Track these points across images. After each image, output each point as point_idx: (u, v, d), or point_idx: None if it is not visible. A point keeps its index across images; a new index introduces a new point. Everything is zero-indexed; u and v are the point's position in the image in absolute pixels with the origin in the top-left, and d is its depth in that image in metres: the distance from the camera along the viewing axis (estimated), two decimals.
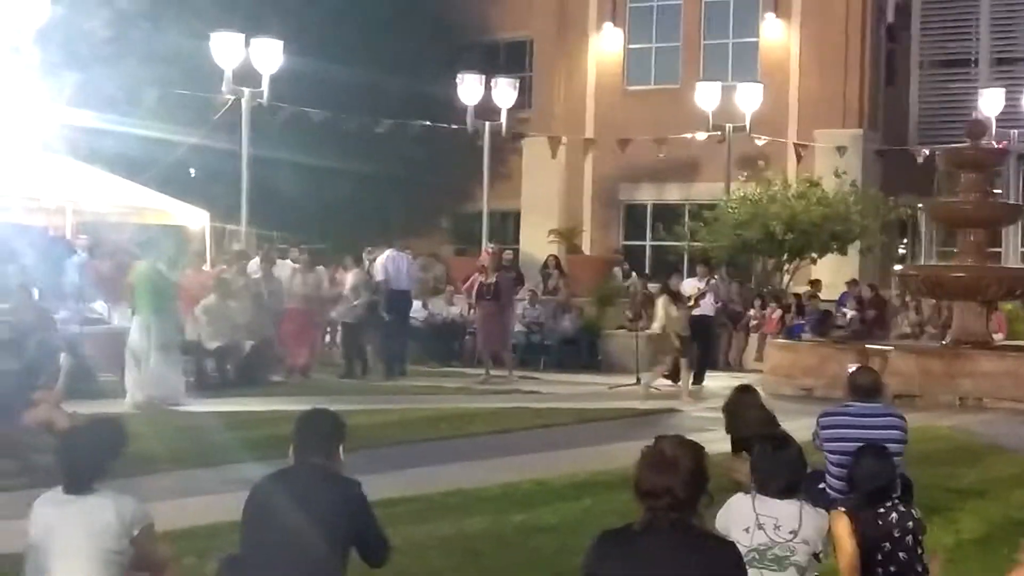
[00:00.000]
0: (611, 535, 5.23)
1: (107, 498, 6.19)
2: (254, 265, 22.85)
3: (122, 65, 28.69)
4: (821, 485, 9.22)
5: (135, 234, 26.12)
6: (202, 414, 16.39)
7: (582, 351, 26.47)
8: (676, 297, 20.60)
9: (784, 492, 6.61)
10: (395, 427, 15.81)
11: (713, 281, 23.93)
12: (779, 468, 6.70)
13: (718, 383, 20.46)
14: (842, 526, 6.81)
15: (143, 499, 6.40)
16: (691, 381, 21.56)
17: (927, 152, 29.97)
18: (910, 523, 6.99)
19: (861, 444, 7.62)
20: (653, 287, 24.78)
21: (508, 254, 27.05)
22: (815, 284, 28.79)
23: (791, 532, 6.51)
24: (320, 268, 24.33)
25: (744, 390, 11.44)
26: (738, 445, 10.79)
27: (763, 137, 31.06)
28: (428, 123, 29.86)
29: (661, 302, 20.71)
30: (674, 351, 20.30)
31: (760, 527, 6.50)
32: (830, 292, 28.55)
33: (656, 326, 20.72)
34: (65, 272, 22.00)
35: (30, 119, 23.20)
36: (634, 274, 29.85)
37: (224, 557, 6.59)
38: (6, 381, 12.26)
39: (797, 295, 27.86)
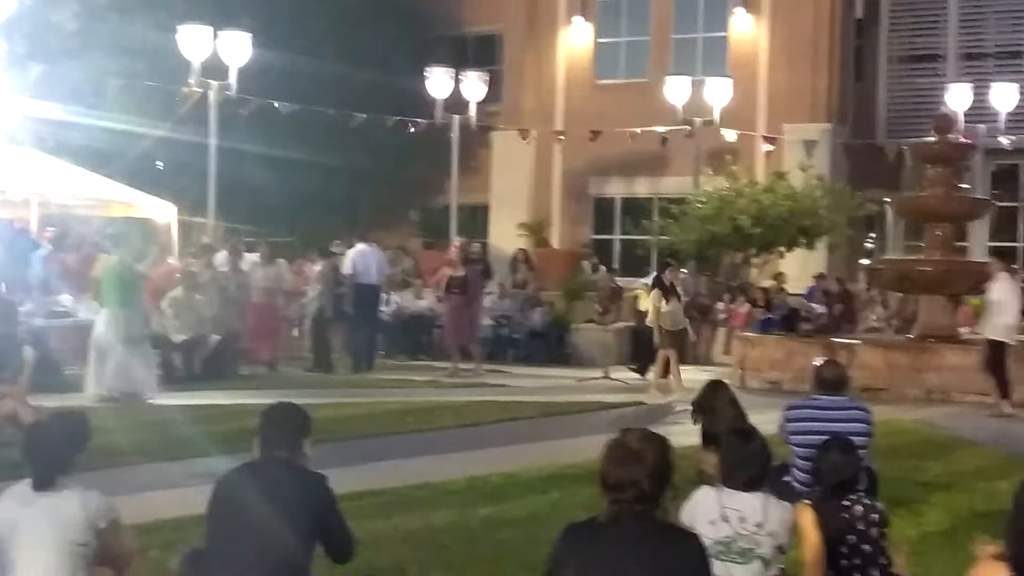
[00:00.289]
0: (577, 528, 5.24)
1: (73, 491, 6.16)
2: (221, 258, 22.80)
3: (89, 57, 28.57)
4: (787, 478, 9.23)
5: (101, 227, 26.05)
6: (168, 407, 16.32)
7: (550, 345, 26.48)
8: (669, 291, 20.49)
9: (749, 485, 6.62)
10: (362, 420, 15.78)
11: (682, 275, 23.95)
12: (744, 461, 6.70)
13: (686, 376, 20.46)
14: (807, 519, 6.82)
15: (108, 492, 6.35)
16: (660, 375, 21.62)
17: (895, 147, 30.06)
18: (874, 515, 7.01)
19: (826, 437, 7.63)
20: (642, 281, 24.87)
21: (476, 247, 27.03)
22: (779, 277, 28.90)
23: (756, 525, 6.51)
24: (280, 261, 24.34)
25: (716, 385, 11.44)
26: (708, 439, 10.80)
27: (732, 131, 31.11)
28: (397, 116, 29.78)
29: (653, 296, 20.76)
30: (663, 345, 20.42)
31: (725, 520, 6.51)
32: (797, 286, 28.66)
33: (649, 320, 20.87)
34: (30, 265, 21.87)
35: None
36: (603, 268, 29.88)
37: (188, 551, 6.57)
38: None
39: (764, 289, 27.95)
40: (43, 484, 6.18)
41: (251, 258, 23.59)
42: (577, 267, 30.84)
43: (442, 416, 16.43)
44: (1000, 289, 18.79)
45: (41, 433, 6.53)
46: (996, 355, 18.52)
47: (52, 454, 6.28)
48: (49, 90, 25.91)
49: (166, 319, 19.94)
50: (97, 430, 6.77)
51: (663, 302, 20.32)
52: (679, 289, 21.05)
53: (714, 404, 10.91)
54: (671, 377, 20.25)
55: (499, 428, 15.76)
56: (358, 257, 23.47)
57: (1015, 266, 25.23)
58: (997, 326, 18.55)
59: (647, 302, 23.51)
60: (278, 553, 5.98)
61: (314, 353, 22.89)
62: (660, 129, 31.31)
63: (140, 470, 11.64)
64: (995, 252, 30.09)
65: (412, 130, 30.24)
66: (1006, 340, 18.55)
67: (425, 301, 26.87)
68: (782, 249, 28.52)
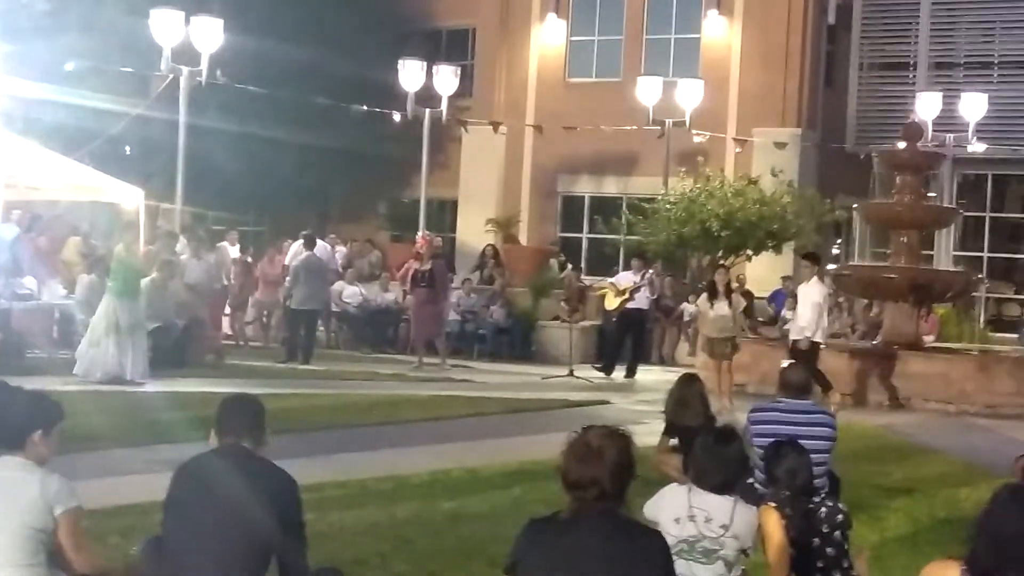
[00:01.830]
0: (539, 523, 5.24)
1: (33, 473, 6.08)
2: (181, 246, 22.82)
3: (61, 38, 28.35)
4: (750, 480, 9.25)
5: (68, 210, 25.91)
6: (132, 394, 16.29)
7: (516, 341, 26.51)
8: (718, 295, 19.39)
9: (720, 487, 6.63)
10: (326, 412, 15.78)
11: (649, 275, 23.98)
12: (720, 463, 6.70)
13: (651, 377, 20.53)
14: (772, 520, 6.84)
15: (69, 476, 6.26)
16: (624, 374, 21.70)
17: (864, 153, 30.18)
18: (839, 517, 7.04)
19: (778, 440, 7.66)
20: (609, 280, 24.86)
21: (438, 241, 26.98)
22: (740, 279, 28.96)
23: (722, 527, 6.52)
24: (222, 245, 24.36)
25: (691, 379, 11.46)
26: (671, 433, 10.83)
27: (703, 133, 31.17)
28: (368, 108, 29.70)
29: (700, 303, 20.38)
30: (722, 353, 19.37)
31: (691, 519, 6.51)
32: (763, 289, 28.75)
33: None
34: None
35: None
36: (570, 266, 29.90)
37: (148, 538, 6.51)
38: None
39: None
40: None
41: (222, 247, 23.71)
42: (545, 264, 30.83)
43: (407, 410, 16.45)
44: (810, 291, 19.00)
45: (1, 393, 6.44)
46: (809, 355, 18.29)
47: (4, 421, 6.18)
48: (18, 69, 25.69)
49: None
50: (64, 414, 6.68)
51: (709, 306, 19.47)
52: (733, 295, 19.83)
53: (686, 397, 10.93)
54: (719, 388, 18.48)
55: (463, 423, 15.78)
56: (295, 248, 24.21)
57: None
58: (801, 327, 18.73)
59: (613, 301, 23.58)
60: (239, 542, 5.91)
61: (288, 345, 22.84)
62: (632, 128, 31.34)
63: (102, 455, 11.56)
64: (961, 261, 30.37)
65: (384, 121, 30.13)
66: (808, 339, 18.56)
67: (391, 294, 26.85)
68: (749, 252, 28.58)
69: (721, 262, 22.04)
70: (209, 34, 25.04)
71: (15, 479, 6.06)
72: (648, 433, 10.55)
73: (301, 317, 22.82)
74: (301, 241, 24.27)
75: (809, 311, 18.65)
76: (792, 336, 19.06)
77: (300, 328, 22.80)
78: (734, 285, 28.12)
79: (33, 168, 22.93)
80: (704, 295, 19.85)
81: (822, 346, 19.02)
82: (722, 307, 19.17)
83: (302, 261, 23.21)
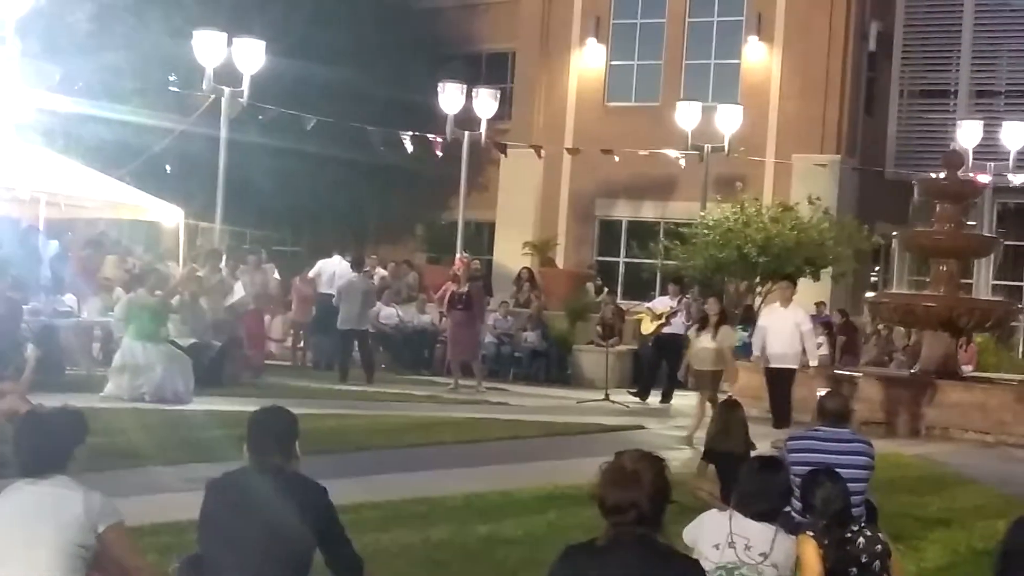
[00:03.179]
0: (576, 550, 5.23)
1: (76, 491, 6.13)
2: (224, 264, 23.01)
3: (103, 58, 28.59)
4: (787, 508, 9.22)
5: (109, 228, 26.11)
6: (169, 412, 16.34)
7: (551, 365, 26.48)
8: (704, 324, 18.23)
9: (763, 515, 6.60)
10: (362, 432, 15.78)
11: (685, 300, 23.93)
12: (765, 491, 6.69)
13: (686, 402, 20.43)
14: (810, 550, 6.80)
15: (107, 494, 6.31)
16: (660, 399, 21.65)
17: (903, 181, 30.08)
18: (878, 547, 6.99)
19: (814, 469, 7.62)
20: (646, 305, 24.78)
21: (476, 264, 27.03)
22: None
23: (761, 555, 6.50)
24: (267, 267, 24.49)
25: (732, 406, 11.44)
26: (711, 459, 10.81)
27: (741, 154, 31.12)
28: (408, 131, 29.79)
29: (691, 333, 19.37)
30: None
31: (731, 545, 6.50)
32: None
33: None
34: (38, 263, 21.88)
35: (8, 107, 23.07)
36: (606, 290, 29.87)
37: (185, 557, 6.52)
38: None
39: None
40: (34, 473, 6.14)
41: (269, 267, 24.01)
42: (581, 288, 30.83)
43: (442, 432, 16.44)
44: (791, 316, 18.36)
45: (36, 422, 6.49)
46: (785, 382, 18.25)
47: (47, 443, 6.22)
48: (60, 88, 25.92)
49: (173, 323, 19.95)
50: (97, 432, 6.73)
51: (697, 336, 18.43)
52: (723, 327, 18.17)
53: (727, 424, 10.90)
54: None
55: (499, 446, 15.76)
56: (324, 267, 24.76)
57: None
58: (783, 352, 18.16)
59: (649, 326, 23.52)
60: (273, 558, 5.93)
61: (341, 365, 22.96)
62: (673, 153, 31.34)
63: (139, 473, 11.60)
64: (1000, 290, 30.17)
65: (422, 143, 30.21)
66: (781, 366, 18.21)
67: (428, 316, 26.88)
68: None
69: (709, 296, 19.97)
70: (250, 55, 25.20)
71: (57, 496, 6.10)
72: (680, 459, 10.51)
73: (349, 337, 22.98)
74: (334, 259, 24.59)
75: (791, 337, 17.97)
76: (780, 364, 18.14)
77: (351, 348, 23.09)
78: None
79: (74, 186, 23.13)
80: (696, 326, 18.85)
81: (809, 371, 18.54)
82: (705, 339, 17.82)
83: (346, 282, 23.32)
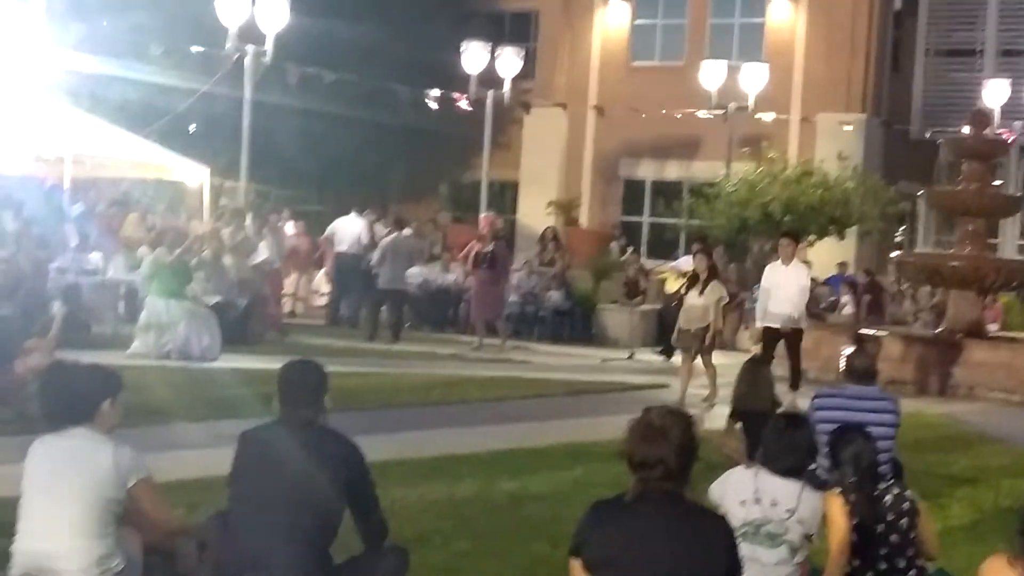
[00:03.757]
0: (604, 505, 5.25)
1: (106, 445, 6.17)
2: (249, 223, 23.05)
3: (128, 18, 28.55)
4: (813, 466, 9.21)
5: (133, 187, 26.15)
6: (194, 370, 16.41)
7: (575, 324, 26.46)
8: (693, 281, 17.40)
9: (789, 471, 6.61)
10: (387, 390, 15.83)
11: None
12: (791, 448, 6.69)
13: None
14: (836, 506, 6.81)
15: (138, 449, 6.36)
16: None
17: (930, 140, 29.94)
18: (904, 505, 6.99)
19: (842, 425, 7.61)
20: (670, 264, 24.72)
21: (499, 223, 27.01)
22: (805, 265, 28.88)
23: (788, 511, 6.50)
24: (286, 225, 24.52)
25: (760, 362, 11.44)
26: (737, 418, 10.81)
27: (768, 114, 30.99)
28: (432, 90, 29.71)
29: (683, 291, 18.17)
30: None
31: (757, 502, 6.50)
32: (825, 274, 28.60)
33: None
34: (63, 222, 21.96)
35: (34, 67, 23.09)
36: (630, 249, 29.84)
37: (214, 513, 6.55)
38: (1, 327, 12.26)
39: None
40: (58, 422, 6.18)
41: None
42: (605, 248, 30.79)
43: (467, 390, 16.48)
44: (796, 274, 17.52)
45: (62, 373, 6.52)
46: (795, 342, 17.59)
47: (72, 394, 6.27)
48: (88, 48, 25.91)
49: (198, 281, 20.00)
50: (123, 389, 6.76)
51: (685, 294, 17.60)
52: (713, 282, 17.25)
53: (753, 382, 10.89)
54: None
55: (523, 404, 15.79)
56: (340, 227, 24.86)
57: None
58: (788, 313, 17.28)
59: (673, 285, 23.49)
60: (304, 513, 5.96)
61: (370, 324, 23.09)
62: (700, 113, 31.24)
63: (165, 430, 11.66)
64: None
65: (446, 102, 30.14)
66: (774, 325, 17.36)
67: (452, 275, 26.89)
68: (812, 238, 28.42)
69: (698, 246, 18.69)
70: (274, 14, 25.13)
71: (88, 450, 6.15)
72: (708, 417, 10.51)
73: (388, 297, 23.07)
74: (350, 218, 24.78)
75: (796, 296, 17.17)
76: (772, 323, 17.31)
77: (383, 308, 23.23)
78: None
79: (99, 145, 23.16)
80: (685, 283, 18.02)
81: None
82: (694, 295, 17.05)
83: (390, 242, 23.36)
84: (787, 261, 17.54)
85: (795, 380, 17.23)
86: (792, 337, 17.47)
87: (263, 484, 6.02)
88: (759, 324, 17.73)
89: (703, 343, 17.00)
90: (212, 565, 6.22)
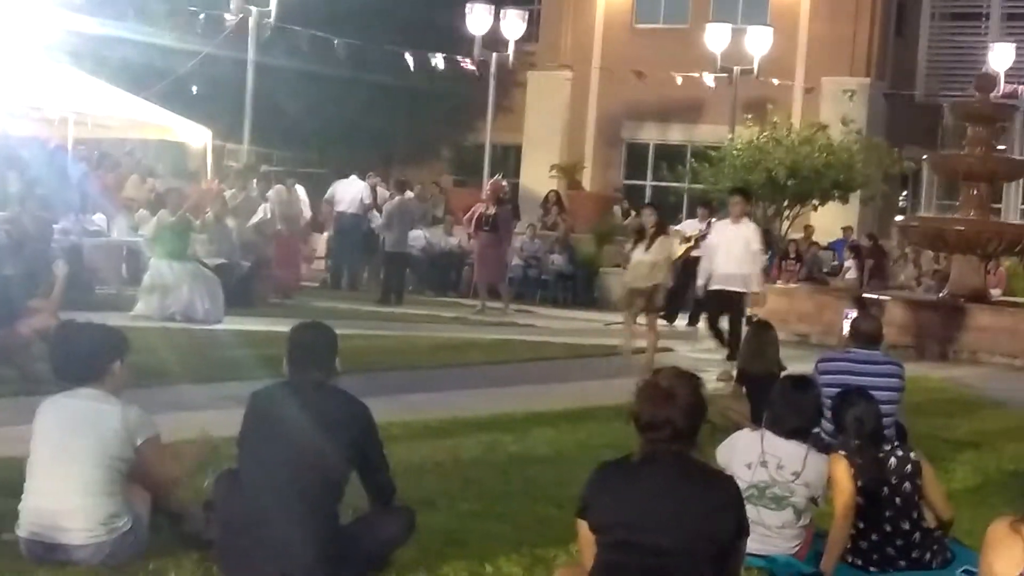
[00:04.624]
0: (610, 466, 5.26)
1: (114, 405, 6.19)
2: (253, 185, 23.03)
3: None
4: (817, 429, 9.23)
5: (135, 148, 26.09)
6: (197, 331, 16.41)
7: (578, 287, 26.49)
8: (640, 236, 16.35)
9: (794, 433, 6.62)
10: (390, 353, 15.82)
11: (713, 222, 23.81)
12: (796, 409, 6.71)
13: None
14: (841, 468, 6.82)
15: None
16: (687, 322, 21.63)
17: (933, 103, 29.86)
18: (908, 467, 7.00)
19: (846, 388, 7.62)
20: (674, 227, 24.62)
21: (505, 186, 26.98)
22: (808, 229, 28.92)
23: (793, 473, 6.52)
24: (298, 188, 24.48)
25: (765, 326, 11.42)
26: (743, 381, 10.82)
27: (772, 79, 30.90)
28: (435, 52, 29.61)
29: (627, 248, 17.50)
30: None
31: (763, 464, 6.52)
32: (828, 239, 28.58)
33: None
34: (66, 182, 21.91)
35: (36, 26, 23.00)
36: (633, 213, 29.77)
37: (221, 471, 6.57)
38: (4, 287, 12.25)
39: (794, 241, 27.91)
40: (68, 380, 6.19)
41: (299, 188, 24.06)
42: (608, 211, 30.75)
43: (470, 353, 16.49)
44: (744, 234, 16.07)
45: (71, 331, 6.54)
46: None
47: (81, 353, 6.28)
48: (88, 8, 25.81)
49: (199, 243, 19.97)
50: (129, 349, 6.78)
51: (632, 250, 16.59)
52: (661, 238, 16.17)
53: (760, 345, 10.89)
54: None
55: (526, 367, 15.79)
56: (340, 189, 24.91)
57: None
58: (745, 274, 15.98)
59: (678, 249, 23.44)
60: (313, 473, 5.97)
61: (384, 287, 23.16)
62: (705, 76, 31.14)
63: (169, 391, 11.64)
64: None
65: (449, 64, 30.03)
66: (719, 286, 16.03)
67: (455, 238, 26.88)
68: (815, 202, 28.39)
69: (645, 206, 17.94)
70: None
71: (96, 410, 6.16)
72: (709, 382, 10.50)
73: (392, 260, 23.17)
74: (351, 179, 24.85)
75: (743, 255, 15.76)
76: (718, 284, 15.95)
77: (401, 271, 23.45)
78: (800, 236, 28.24)
79: (102, 106, 23.09)
80: (632, 238, 17.02)
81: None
82: (640, 252, 15.98)
83: (395, 205, 23.34)
84: (736, 220, 16.19)
85: (733, 350, 15.26)
86: (736, 300, 16.01)
87: (272, 444, 6.03)
88: (700, 283, 16.32)
89: (648, 302, 16.02)
90: (219, 524, 6.24)
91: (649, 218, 16.27)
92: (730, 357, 15.17)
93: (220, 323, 17.40)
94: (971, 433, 12.56)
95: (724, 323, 16.46)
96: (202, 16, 26.50)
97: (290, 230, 23.12)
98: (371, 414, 6.19)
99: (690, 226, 23.83)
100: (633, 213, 29.66)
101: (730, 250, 15.83)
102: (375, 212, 25.32)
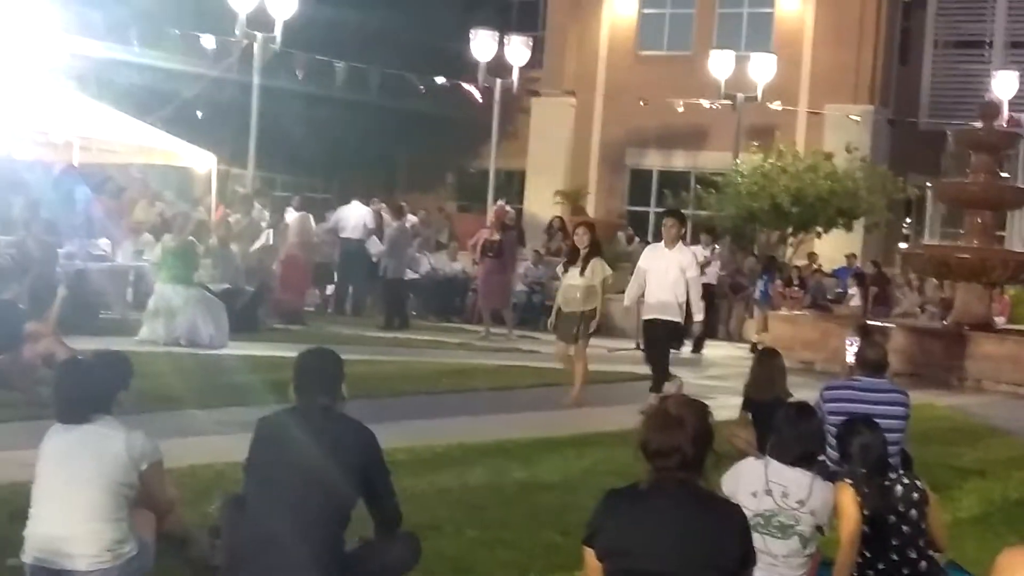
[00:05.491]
0: (618, 493, 5.25)
1: (118, 430, 6.19)
2: (257, 210, 23.04)
3: (136, 2, 28.52)
4: (821, 457, 9.21)
5: (141, 173, 26.13)
6: (202, 357, 16.40)
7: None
8: (572, 259, 15.25)
9: (799, 461, 6.60)
10: (394, 379, 15.79)
11: (717, 249, 23.86)
12: (800, 437, 6.69)
13: (718, 352, 20.42)
14: (847, 497, 6.80)
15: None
16: (691, 349, 21.62)
17: (938, 131, 29.89)
18: (915, 495, 6.98)
19: (851, 417, 7.61)
20: None
21: (510, 212, 27.02)
22: (812, 256, 28.93)
23: (799, 502, 6.50)
24: (306, 214, 24.51)
25: (772, 353, 11.40)
26: (748, 408, 10.80)
27: (776, 104, 30.94)
28: (440, 78, 29.68)
29: (559, 270, 16.55)
30: None
31: (768, 493, 6.49)
32: (832, 266, 28.59)
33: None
34: (72, 207, 21.93)
35: (42, 51, 23.07)
36: (637, 239, 29.80)
37: (228, 496, 6.56)
38: (8, 311, 12.25)
39: (797, 267, 27.92)
40: (71, 419, 6.19)
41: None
42: (612, 238, 30.75)
43: (475, 378, 16.49)
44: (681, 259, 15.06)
45: (76, 369, 6.54)
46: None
47: (87, 391, 6.29)
48: (93, 32, 25.88)
49: (204, 269, 19.98)
50: (133, 375, 6.80)
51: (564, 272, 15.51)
52: (594, 260, 15.06)
53: (766, 372, 10.87)
54: None
55: (532, 393, 15.79)
56: (344, 214, 24.91)
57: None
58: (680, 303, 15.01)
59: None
60: (319, 499, 5.95)
61: (386, 313, 23.12)
62: (706, 103, 31.20)
63: (175, 416, 11.64)
64: None
65: (453, 90, 30.09)
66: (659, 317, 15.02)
67: (459, 264, 26.89)
68: (819, 229, 28.40)
69: (577, 226, 16.12)
70: (284, 1, 25.11)
71: (101, 435, 6.16)
72: (715, 408, 10.48)
73: (398, 287, 23.24)
74: (353, 205, 24.90)
75: (675, 283, 14.78)
76: (649, 314, 15.09)
77: (403, 297, 23.50)
78: (803, 263, 28.23)
79: (107, 130, 23.14)
80: (564, 260, 15.95)
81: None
82: (574, 275, 14.95)
83: (395, 231, 23.36)
84: (670, 244, 15.02)
85: (657, 382, 14.75)
86: (664, 329, 15.02)
87: (279, 469, 6.02)
88: (625, 304, 15.80)
89: (580, 328, 14.98)
90: (225, 549, 6.23)
91: (583, 238, 15.05)
92: (653, 389, 14.58)
93: (224, 348, 17.40)
94: (977, 461, 12.55)
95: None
96: (207, 41, 26.55)
97: (307, 257, 23.10)
98: (377, 441, 6.19)
99: (696, 253, 23.81)
100: (637, 240, 29.72)
101: (664, 277, 14.86)
102: (375, 238, 25.30)
